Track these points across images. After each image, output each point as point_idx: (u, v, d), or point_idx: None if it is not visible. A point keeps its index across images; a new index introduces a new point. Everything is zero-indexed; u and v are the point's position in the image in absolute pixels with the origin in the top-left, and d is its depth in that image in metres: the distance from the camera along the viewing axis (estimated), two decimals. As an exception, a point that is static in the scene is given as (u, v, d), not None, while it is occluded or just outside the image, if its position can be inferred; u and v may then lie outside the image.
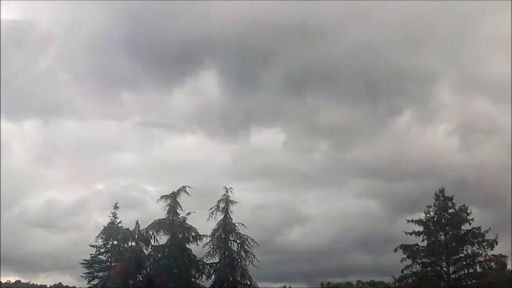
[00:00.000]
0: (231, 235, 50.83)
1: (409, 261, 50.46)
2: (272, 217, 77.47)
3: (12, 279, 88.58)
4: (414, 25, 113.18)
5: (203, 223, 51.18)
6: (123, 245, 52.56)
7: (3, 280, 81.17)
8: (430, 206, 51.53)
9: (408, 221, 51.65)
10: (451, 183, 54.93)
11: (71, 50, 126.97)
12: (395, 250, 50.95)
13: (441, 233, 51.08)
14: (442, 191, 51.75)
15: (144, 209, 50.54)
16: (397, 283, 51.00)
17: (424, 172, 72.26)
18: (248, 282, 50.66)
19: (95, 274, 53.63)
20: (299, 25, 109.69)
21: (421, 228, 51.07)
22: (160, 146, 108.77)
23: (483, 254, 49.08)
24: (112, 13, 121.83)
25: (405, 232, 51.27)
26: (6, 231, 74.54)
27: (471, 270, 49.70)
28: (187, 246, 51.12)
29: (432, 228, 51.01)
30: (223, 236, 50.54)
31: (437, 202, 51.49)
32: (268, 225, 72.67)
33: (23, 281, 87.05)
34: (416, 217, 51.58)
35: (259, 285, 52.02)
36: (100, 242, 53.79)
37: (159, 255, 51.26)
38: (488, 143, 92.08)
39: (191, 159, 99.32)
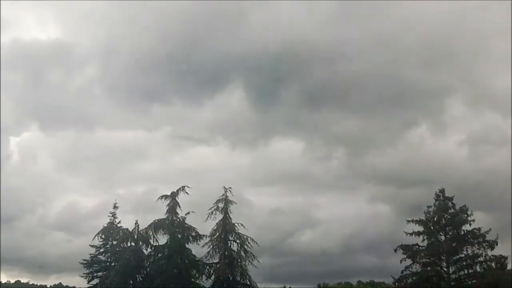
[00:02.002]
0: (230, 235, 50.77)
1: (409, 261, 50.47)
2: (286, 220, 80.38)
3: (25, 280, 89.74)
4: (429, 43, 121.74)
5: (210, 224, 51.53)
6: (123, 245, 52.46)
7: (3, 280, 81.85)
8: (430, 206, 51.50)
9: (408, 221, 51.64)
10: (459, 190, 56.81)
11: (107, 68, 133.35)
12: (395, 250, 50.95)
13: (441, 233, 51.02)
14: (442, 191, 51.64)
15: (162, 212, 52.05)
16: (396, 283, 50.94)
17: (435, 179, 74.33)
18: (248, 282, 50.62)
19: (95, 274, 53.44)
20: (319, 47, 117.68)
21: (421, 228, 51.02)
22: (184, 156, 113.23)
23: (483, 255, 49.11)
24: (146, 33, 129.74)
25: (405, 232, 51.36)
26: (27, 234, 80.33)
27: (471, 271, 49.64)
28: (187, 246, 51.06)
29: (432, 228, 50.94)
30: (222, 236, 50.47)
31: (437, 202, 51.44)
32: (281, 228, 75.61)
33: (33, 282, 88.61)
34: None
35: (259, 285, 52.19)
36: (98, 241, 53.56)
37: (159, 255, 51.21)
38: (496, 154, 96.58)
39: (212, 166, 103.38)
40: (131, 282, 50.39)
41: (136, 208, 66.73)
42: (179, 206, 51.36)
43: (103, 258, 53.92)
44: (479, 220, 50.29)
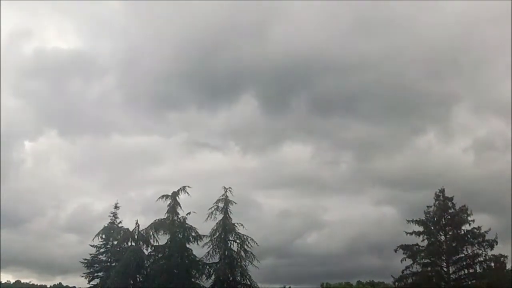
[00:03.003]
0: (230, 235, 50.81)
1: (409, 261, 50.46)
2: (294, 222, 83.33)
3: (28, 280, 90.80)
4: (436, 53, 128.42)
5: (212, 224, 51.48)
6: (123, 245, 52.53)
7: (3, 280, 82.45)
8: (430, 206, 51.44)
9: (408, 221, 51.59)
10: (464, 193, 58.27)
11: (126, 77, 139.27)
12: (395, 251, 50.90)
13: (441, 233, 50.96)
14: (442, 191, 51.52)
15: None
16: (396, 283, 50.94)
17: (441, 184, 75.38)
18: (248, 282, 50.63)
19: (95, 274, 53.56)
20: (329, 58, 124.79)
21: (421, 228, 51.00)
22: (197, 160, 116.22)
23: (483, 254, 49.03)
24: (164, 44, 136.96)
25: (405, 232, 51.29)
26: (39, 236, 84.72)
27: (471, 270, 49.56)
28: (187, 246, 51.12)
29: (432, 228, 50.92)
30: (222, 236, 50.52)
31: (437, 202, 51.38)
32: (288, 230, 78.32)
33: (34, 282, 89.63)
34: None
35: (261, 285, 52.28)
36: (99, 241, 53.65)
37: (159, 255, 51.29)
38: (501, 159, 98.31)
39: (223, 170, 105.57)
40: (132, 282, 50.48)
41: (146, 210, 67.67)
42: (180, 206, 51.50)
43: (104, 258, 54.06)
44: (482, 223, 50.36)
